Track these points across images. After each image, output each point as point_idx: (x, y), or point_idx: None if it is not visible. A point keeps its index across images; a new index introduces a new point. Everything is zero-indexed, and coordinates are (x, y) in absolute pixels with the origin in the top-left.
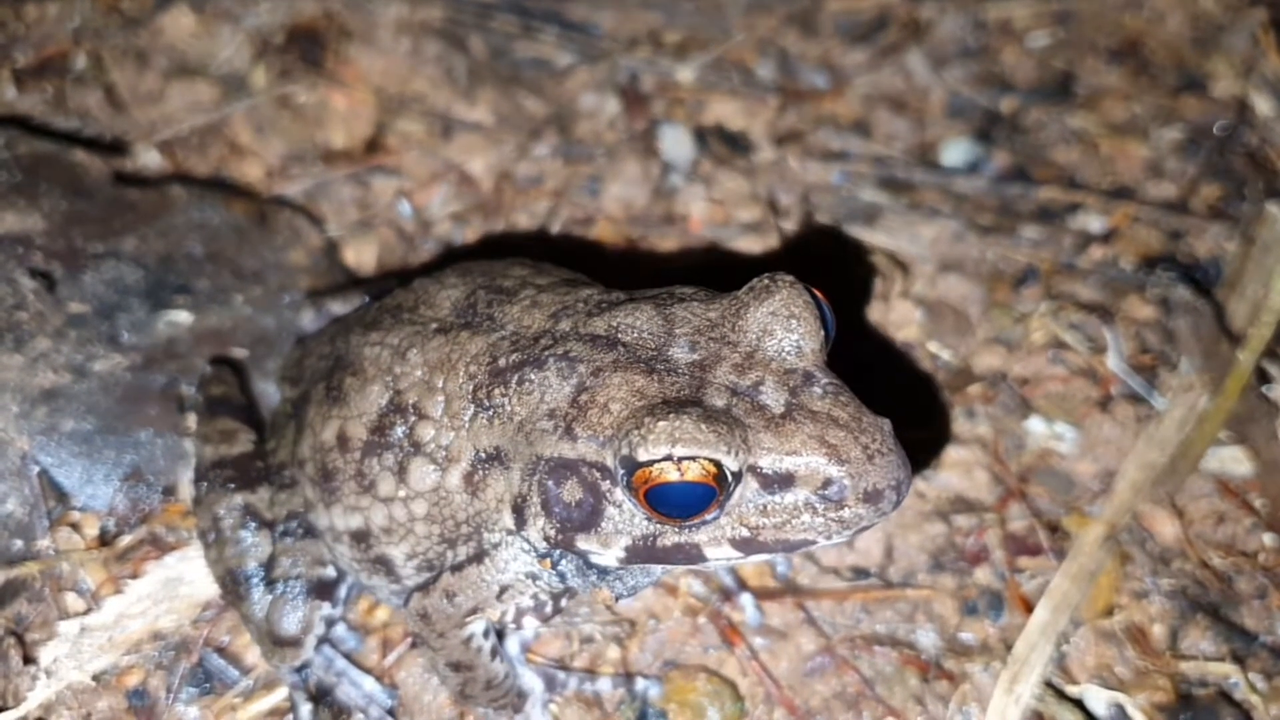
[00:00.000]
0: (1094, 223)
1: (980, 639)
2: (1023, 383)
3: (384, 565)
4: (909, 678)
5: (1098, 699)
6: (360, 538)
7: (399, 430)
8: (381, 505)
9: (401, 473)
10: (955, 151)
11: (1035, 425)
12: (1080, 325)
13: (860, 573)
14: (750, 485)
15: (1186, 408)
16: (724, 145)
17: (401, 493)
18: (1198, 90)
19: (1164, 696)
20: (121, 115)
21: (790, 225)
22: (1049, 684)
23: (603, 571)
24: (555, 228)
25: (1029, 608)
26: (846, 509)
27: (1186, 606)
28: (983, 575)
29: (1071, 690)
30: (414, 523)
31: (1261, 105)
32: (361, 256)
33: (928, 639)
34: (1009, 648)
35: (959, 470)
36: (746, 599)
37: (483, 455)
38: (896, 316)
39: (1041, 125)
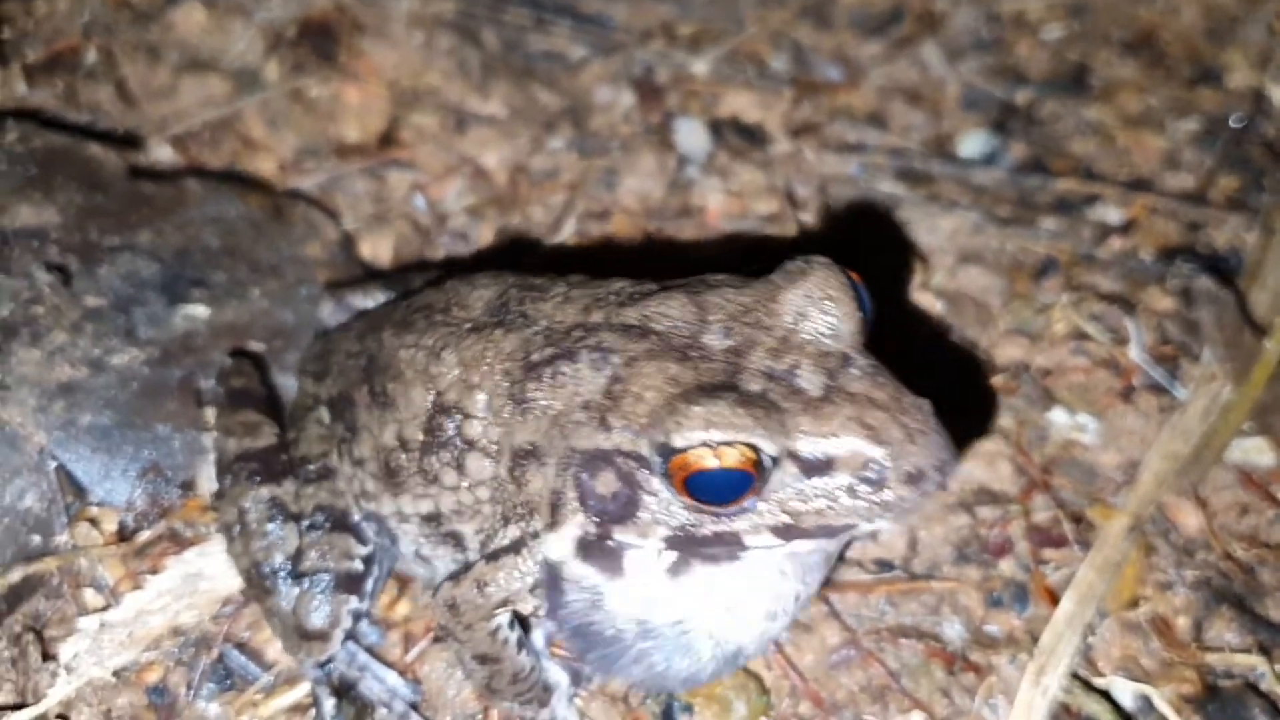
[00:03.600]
0: (1112, 214)
1: (1006, 631)
2: (1045, 374)
3: (454, 539)
4: (935, 670)
5: (1124, 691)
6: (431, 519)
7: (450, 429)
8: (449, 493)
9: (460, 467)
10: (972, 143)
11: (1058, 416)
12: (1101, 316)
13: (884, 565)
14: (789, 470)
15: (1209, 398)
16: (739, 138)
17: (465, 483)
18: (1213, 82)
19: (1190, 688)
20: (133, 110)
21: (808, 217)
22: (1076, 675)
23: (606, 646)
24: (571, 221)
25: (1054, 599)
26: (888, 490)
27: (1211, 598)
28: (1007, 567)
29: (1098, 682)
30: (480, 505)
31: (1278, 96)
32: (378, 250)
33: (953, 631)
34: (1035, 639)
35: (982, 462)
36: None
37: (520, 451)
38: (917, 309)
39: (1057, 117)
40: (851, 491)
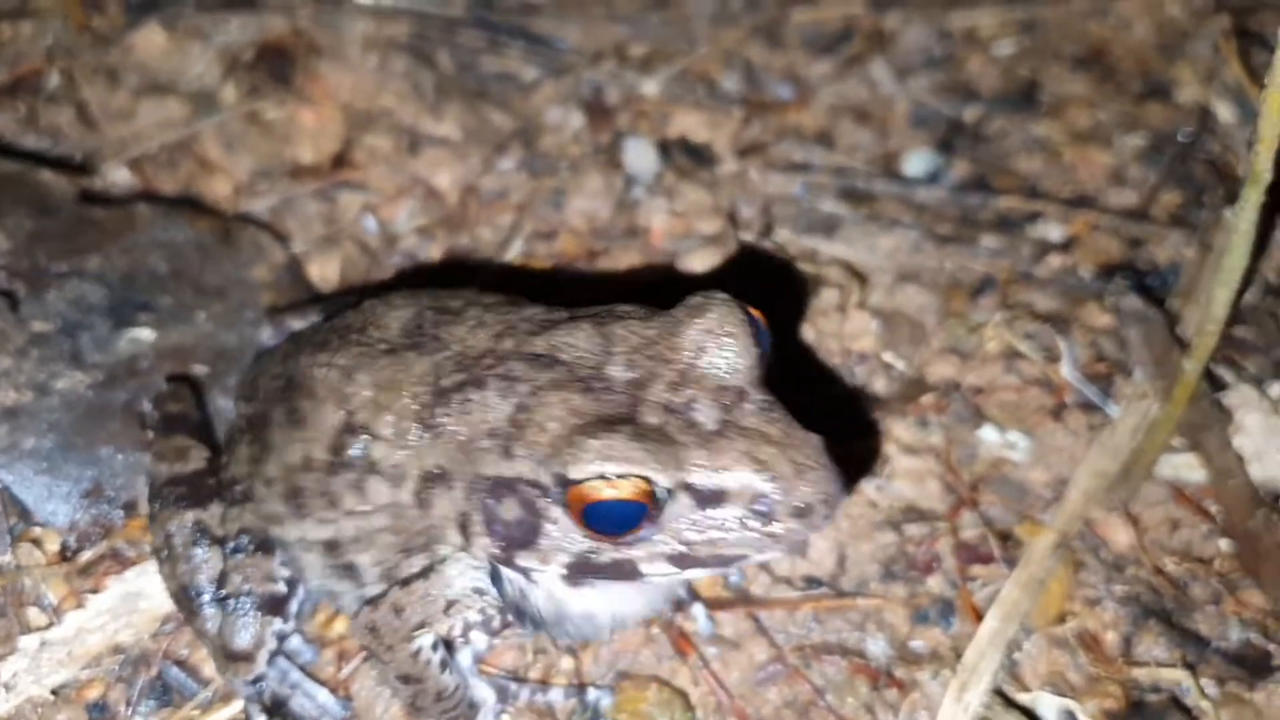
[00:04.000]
0: (1053, 231)
1: (931, 647)
2: (976, 392)
3: (350, 571)
4: (859, 686)
5: (1049, 706)
6: (331, 547)
7: (355, 449)
8: (348, 519)
9: (360, 490)
10: (917, 162)
11: (988, 434)
12: (1035, 334)
13: (812, 582)
14: (683, 502)
15: (1139, 415)
16: (687, 158)
17: (363, 507)
18: (1162, 97)
19: (1114, 703)
20: (93, 133)
21: (750, 237)
22: (998, 692)
23: (538, 622)
24: (519, 241)
25: (980, 616)
26: (777, 523)
27: (1139, 613)
28: (934, 584)
29: (1023, 697)
30: (376, 534)
31: (1223, 112)
32: (325, 271)
33: (878, 647)
34: (959, 656)
35: (911, 479)
36: (699, 609)
37: (428, 474)
38: (852, 327)
39: (1005, 134)
40: (743, 523)
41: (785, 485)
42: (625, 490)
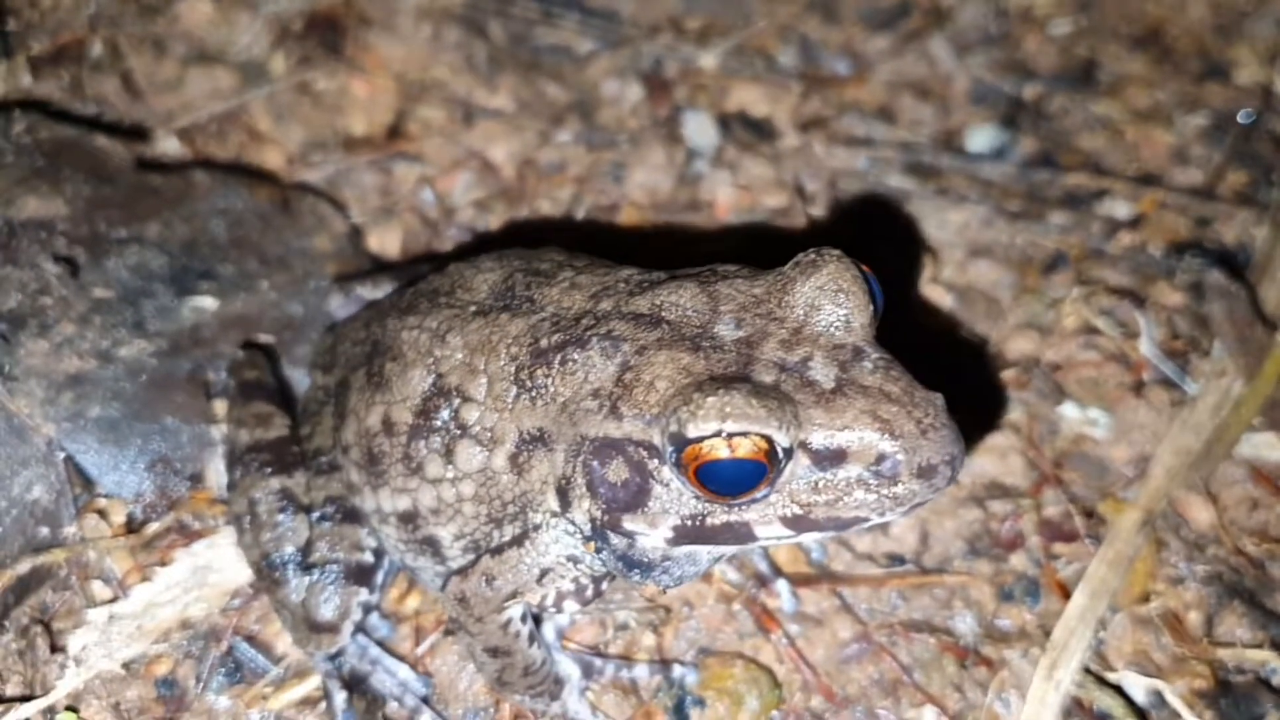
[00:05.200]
0: (1121, 209)
1: (1018, 625)
2: (1055, 368)
3: (431, 546)
4: (947, 664)
5: (1136, 685)
6: (408, 519)
7: (444, 413)
8: (430, 487)
9: (448, 455)
10: (981, 138)
11: (1069, 410)
12: (1111, 311)
13: (896, 559)
14: (801, 462)
15: (1220, 393)
16: (748, 131)
17: (449, 474)
18: (1221, 77)
19: (1202, 683)
20: (139, 103)
21: (817, 211)
22: (1088, 670)
23: (646, 567)
24: (580, 214)
25: (1066, 594)
26: (900, 484)
27: (1222, 593)
28: (1019, 561)
29: (1109, 677)
30: (462, 503)
31: None
32: (385, 243)
33: (965, 625)
34: (1046, 634)
35: (994, 456)
36: (782, 585)
37: (526, 436)
38: (927, 302)
39: (1066, 112)
40: (863, 484)
41: (909, 444)
42: (744, 449)
